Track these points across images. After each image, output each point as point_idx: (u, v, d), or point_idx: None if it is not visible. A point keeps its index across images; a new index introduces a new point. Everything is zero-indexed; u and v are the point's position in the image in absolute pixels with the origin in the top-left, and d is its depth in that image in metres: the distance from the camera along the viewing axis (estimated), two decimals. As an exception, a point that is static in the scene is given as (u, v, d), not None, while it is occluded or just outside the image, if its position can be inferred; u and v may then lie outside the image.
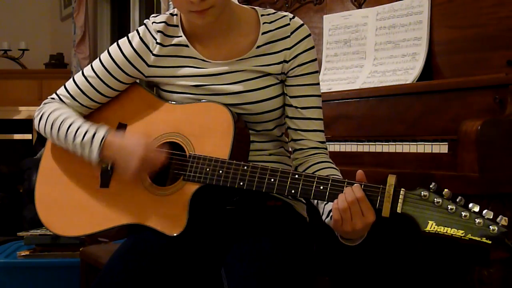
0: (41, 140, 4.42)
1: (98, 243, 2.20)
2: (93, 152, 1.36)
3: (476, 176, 1.41)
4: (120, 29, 5.39)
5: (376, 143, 1.72)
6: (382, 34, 2.04)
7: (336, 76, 2.14)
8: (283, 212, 1.43)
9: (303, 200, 1.51)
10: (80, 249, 2.12)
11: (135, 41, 1.43)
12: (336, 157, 1.48)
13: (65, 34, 5.56)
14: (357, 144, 1.78)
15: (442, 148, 1.55)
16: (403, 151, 1.65)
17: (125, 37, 1.45)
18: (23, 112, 5.17)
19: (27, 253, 2.45)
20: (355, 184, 1.19)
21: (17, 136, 5.19)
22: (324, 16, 2.26)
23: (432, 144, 1.57)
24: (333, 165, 1.41)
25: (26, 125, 5.10)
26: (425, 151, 1.59)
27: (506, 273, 1.46)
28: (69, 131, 1.40)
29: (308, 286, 1.48)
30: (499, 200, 1.43)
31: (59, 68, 5.54)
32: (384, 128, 1.80)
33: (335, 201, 1.19)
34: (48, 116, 1.45)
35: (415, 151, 1.61)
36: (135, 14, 5.03)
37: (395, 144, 1.67)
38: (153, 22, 1.43)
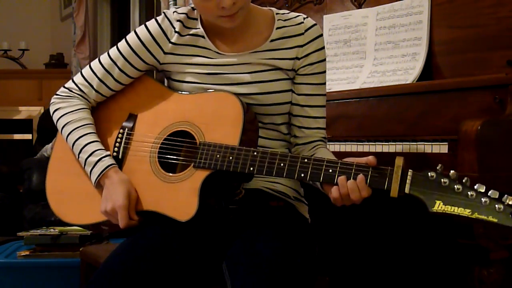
0: (41, 140, 4.42)
1: (101, 231, 2.19)
2: (93, 176, 1.40)
3: (476, 176, 1.40)
4: (120, 29, 5.39)
5: (376, 143, 1.72)
6: (382, 34, 2.04)
7: (336, 76, 2.14)
8: (286, 212, 1.44)
9: (305, 201, 1.51)
10: (80, 249, 2.12)
11: (153, 27, 1.46)
12: (336, 157, 1.48)
13: (65, 34, 5.56)
14: (357, 144, 1.78)
15: (442, 148, 1.55)
16: (403, 151, 1.65)
17: (143, 25, 1.48)
18: (23, 112, 5.17)
19: (27, 253, 2.45)
20: (360, 180, 1.20)
21: (17, 136, 5.19)
22: (324, 16, 2.26)
23: (432, 144, 1.57)
24: (328, 150, 1.46)
25: (26, 125, 5.10)
26: (425, 151, 1.59)
27: (506, 273, 1.46)
28: (76, 143, 1.44)
29: (309, 286, 1.48)
30: (499, 200, 1.42)
31: (59, 68, 5.54)
32: (384, 128, 1.80)
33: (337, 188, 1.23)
34: (63, 115, 1.47)
35: (415, 151, 1.61)
36: (135, 14, 5.03)
37: (395, 144, 1.67)
38: (174, 12, 1.46)
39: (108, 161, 1.40)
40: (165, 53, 1.45)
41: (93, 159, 1.40)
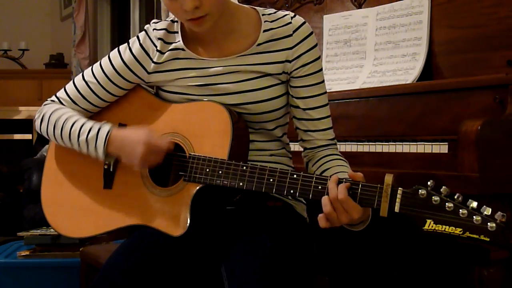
0: (41, 140, 4.42)
1: (98, 242, 2.20)
2: (99, 148, 1.37)
3: (476, 176, 1.41)
4: (120, 29, 5.39)
5: (376, 143, 1.72)
6: (382, 34, 2.04)
7: (336, 76, 2.14)
8: (283, 212, 1.43)
9: (303, 201, 1.51)
10: (80, 249, 2.12)
11: (135, 48, 1.43)
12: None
13: (65, 34, 5.56)
14: (357, 144, 1.78)
15: (442, 148, 1.55)
16: (403, 151, 1.65)
17: (126, 44, 1.45)
18: (23, 112, 5.16)
19: (27, 253, 2.45)
20: (340, 185, 1.18)
21: (17, 136, 5.19)
22: (324, 16, 2.26)
23: (432, 144, 1.57)
24: (342, 157, 1.42)
25: (26, 125, 5.09)
26: (425, 151, 1.59)
27: (506, 273, 1.46)
28: (72, 129, 1.40)
29: (308, 286, 1.48)
30: (499, 200, 1.43)
31: (59, 68, 5.54)
32: (384, 128, 1.80)
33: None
34: (50, 116, 1.46)
35: (415, 151, 1.61)
36: (135, 14, 5.03)
37: (395, 144, 1.67)
38: (154, 29, 1.43)
39: (107, 127, 1.37)
40: (149, 73, 1.43)
41: (93, 132, 1.37)
